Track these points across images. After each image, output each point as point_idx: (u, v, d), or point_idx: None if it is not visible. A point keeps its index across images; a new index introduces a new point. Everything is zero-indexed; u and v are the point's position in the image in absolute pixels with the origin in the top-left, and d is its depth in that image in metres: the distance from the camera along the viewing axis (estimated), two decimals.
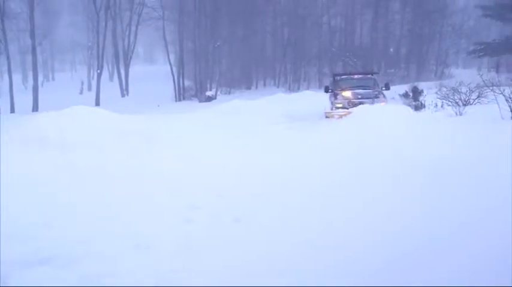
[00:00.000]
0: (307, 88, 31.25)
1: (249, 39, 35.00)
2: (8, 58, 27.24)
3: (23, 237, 2.56)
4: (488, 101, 12.01)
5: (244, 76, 37.94)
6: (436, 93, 15.77)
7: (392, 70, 35.26)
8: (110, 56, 40.78)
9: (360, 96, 13.11)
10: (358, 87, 13.67)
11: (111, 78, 44.57)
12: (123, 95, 35.20)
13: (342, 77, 15.17)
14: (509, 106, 10.13)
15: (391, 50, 37.67)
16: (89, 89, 39.61)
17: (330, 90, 14.41)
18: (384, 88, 13.77)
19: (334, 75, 15.84)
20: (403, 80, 30.46)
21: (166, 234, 2.64)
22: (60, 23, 48.28)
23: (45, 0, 36.45)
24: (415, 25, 37.58)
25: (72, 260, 2.29)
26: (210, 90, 32.61)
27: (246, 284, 2.07)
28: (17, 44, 37.99)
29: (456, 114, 12.54)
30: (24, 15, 31.42)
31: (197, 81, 33.15)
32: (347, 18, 40.04)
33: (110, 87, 36.33)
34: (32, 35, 27.96)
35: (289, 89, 34.85)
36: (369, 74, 15.72)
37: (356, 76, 15.04)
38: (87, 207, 3.08)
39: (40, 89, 29.15)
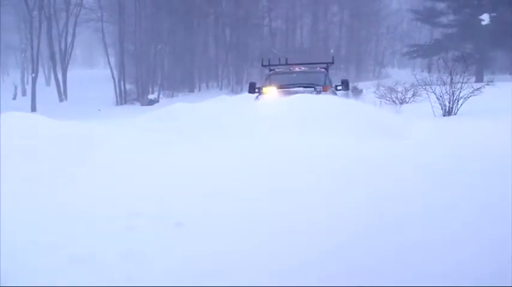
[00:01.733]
0: None
1: (191, 41, 34.74)
2: None
3: None
4: (422, 99, 12.67)
5: (187, 79, 37.58)
6: (375, 92, 16.46)
7: (333, 71, 36.33)
8: (46, 59, 38.94)
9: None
10: (299, 85, 9.49)
11: (47, 82, 42.54)
12: (61, 100, 33.71)
13: (278, 70, 10.94)
14: (440, 104, 10.77)
15: (332, 51, 38.79)
16: (24, 94, 37.60)
17: (256, 91, 10.04)
18: (339, 88, 10.05)
19: (269, 66, 11.14)
20: None
21: (107, 242, 2.56)
22: None
23: None
24: (353, 27, 38.94)
25: None
26: (153, 93, 32.06)
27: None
28: None
29: (394, 112, 13.11)
30: None
31: (139, 84, 32.43)
32: (288, 21, 40.78)
33: (46, 92, 34.66)
34: None
35: (232, 90, 34.94)
36: (319, 65, 11.35)
37: (299, 69, 10.76)
38: (14, 218, 2.92)
39: None
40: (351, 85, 19.40)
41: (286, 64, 11.48)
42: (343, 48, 41.05)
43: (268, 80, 10.32)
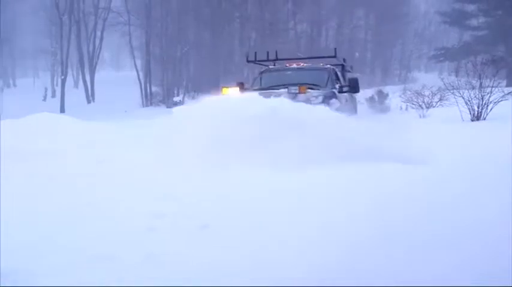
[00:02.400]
0: None
1: (216, 44, 34.96)
2: None
3: None
4: (449, 104, 12.40)
5: (212, 81, 37.80)
6: (400, 96, 16.21)
7: (359, 75, 35.98)
8: (75, 61, 39.86)
9: None
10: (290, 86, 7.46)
11: (76, 84, 43.52)
12: (89, 102, 34.46)
13: (272, 67, 9.11)
14: (469, 109, 10.50)
15: (357, 54, 38.41)
16: (53, 95, 38.57)
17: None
18: (343, 88, 8.06)
19: (255, 62, 9.48)
20: (368, 85, 31.06)
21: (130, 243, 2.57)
22: (21, 27, 46.85)
23: (5, 3, 35.39)
24: (379, 31, 38.48)
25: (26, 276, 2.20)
26: (178, 95, 32.39)
27: None
28: None
29: (420, 116, 12.89)
30: None
31: (164, 86, 32.84)
32: (313, 24, 40.60)
33: (75, 94, 35.52)
34: None
35: None
36: (323, 59, 9.33)
37: (297, 66, 8.80)
38: (40, 217, 2.96)
39: (0, 94, 28.24)
40: (375, 90, 19.28)
41: (276, 59, 9.33)
42: (369, 52, 40.61)
43: (258, 80, 8.54)
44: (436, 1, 41.84)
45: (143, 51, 34.96)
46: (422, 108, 13.81)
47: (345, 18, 39.87)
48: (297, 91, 6.71)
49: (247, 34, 38.79)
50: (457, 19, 37.59)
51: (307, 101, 6.51)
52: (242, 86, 8.32)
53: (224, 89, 6.95)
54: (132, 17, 34.19)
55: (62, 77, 32.64)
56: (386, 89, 20.13)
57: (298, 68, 8.63)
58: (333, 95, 7.40)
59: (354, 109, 9.19)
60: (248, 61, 9.64)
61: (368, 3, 39.75)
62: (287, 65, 8.94)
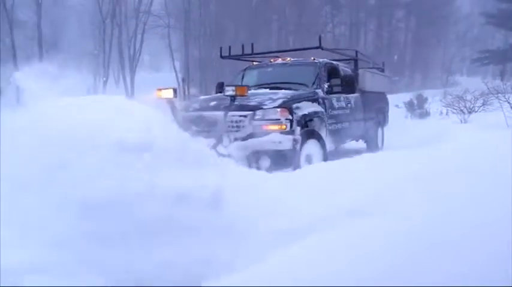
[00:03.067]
0: None
1: (254, 46, 35.15)
2: (15, 66, 27.55)
3: None
4: (493, 109, 12.01)
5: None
6: (441, 100, 15.82)
7: (397, 78, 35.34)
8: (116, 63, 41.05)
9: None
10: (276, 86, 6.48)
11: (117, 85, 44.83)
12: None
13: (256, 64, 7.99)
14: None
15: (396, 57, 37.71)
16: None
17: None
18: (336, 89, 6.48)
19: (230, 58, 8.25)
20: (407, 88, 30.55)
21: None
22: (67, 31, 48.69)
23: (52, 9, 36.89)
24: (419, 33, 37.62)
25: None
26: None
27: None
28: (24, 52, 38.33)
29: (461, 121, 12.54)
30: (32, 24, 31.85)
31: (202, 88, 33.32)
32: (351, 27, 40.19)
33: (115, 94, 36.48)
34: (39, 43, 28.30)
35: None
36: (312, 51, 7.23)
37: (282, 61, 7.43)
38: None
39: None
40: (414, 94, 18.78)
41: (252, 54, 7.99)
42: (408, 55, 39.78)
43: (239, 79, 7.33)
44: (480, 2, 40.55)
45: (182, 53, 35.61)
46: (463, 113, 13.43)
47: (384, 20, 39.24)
48: (234, 93, 4.97)
49: (284, 37, 38.84)
50: (503, 20, 36.24)
51: (259, 105, 5.26)
52: (219, 88, 7.15)
53: (158, 91, 5.39)
54: (171, 20, 34.90)
55: (104, 78, 33.73)
56: (426, 93, 19.67)
57: (281, 64, 7.33)
58: (307, 97, 5.90)
59: (369, 114, 8.17)
60: (222, 57, 8.32)
61: (409, 4, 38.99)
62: (271, 60, 7.79)
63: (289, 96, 5.61)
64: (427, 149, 5.04)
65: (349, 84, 6.99)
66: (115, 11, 34.24)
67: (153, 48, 56.35)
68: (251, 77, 7.29)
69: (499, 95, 10.91)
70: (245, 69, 7.70)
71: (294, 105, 5.39)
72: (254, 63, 8.03)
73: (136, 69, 37.13)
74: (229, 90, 4.97)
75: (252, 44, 8.13)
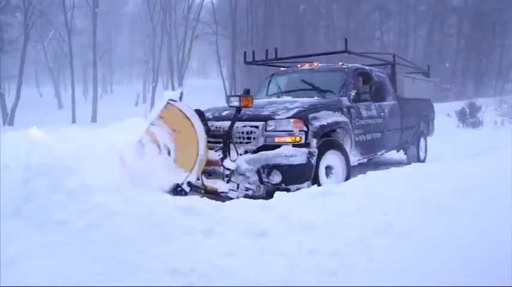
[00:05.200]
0: None
1: (301, 53, 35.06)
2: (72, 72, 28.93)
3: None
4: None
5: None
6: (496, 109, 15.13)
7: (448, 86, 34.12)
8: (165, 69, 42.22)
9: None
10: (303, 93, 6.25)
11: (166, 90, 46.04)
12: None
13: (283, 70, 7.59)
14: None
15: (447, 65, 36.44)
16: (144, 101, 41.13)
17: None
18: (364, 97, 6.22)
19: (254, 64, 8.02)
20: (459, 96, 29.47)
21: None
22: (120, 38, 50.71)
23: (106, 18, 38.55)
24: (473, 38, 36.16)
25: None
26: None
27: None
28: (80, 59, 40.23)
29: None
30: (87, 32, 33.40)
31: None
32: (400, 33, 39.28)
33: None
34: (94, 50, 29.59)
35: None
36: (350, 58, 7.17)
37: (309, 67, 7.00)
38: None
39: (99, 100, 30.64)
40: (466, 102, 17.95)
41: (276, 59, 7.68)
42: (461, 62, 38.34)
43: (265, 85, 7.13)
44: None
45: (229, 60, 36.10)
46: None
47: (436, 26, 38.06)
48: (238, 104, 4.73)
49: (332, 44, 38.51)
50: None
51: (272, 115, 4.95)
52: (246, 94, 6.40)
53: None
54: (219, 27, 35.48)
55: (153, 84, 34.72)
56: (480, 101, 18.88)
57: (308, 70, 6.89)
58: (328, 106, 5.45)
59: (408, 122, 7.68)
60: (246, 63, 7.99)
61: (461, 9, 37.64)
62: (298, 66, 7.36)
63: (306, 106, 5.23)
64: (480, 159, 4.85)
65: (383, 91, 6.49)
66: (165, 19, 35.26)
67: (201, 55, 57.55)
68: (277, 84, 6.98)
69: None
70: (271, 76, 7.37)
71: (311, 116, 5.02)
72: (282, 69, 7.66)
73: (184, 75, 37.98)
74: (234, 101, 4.74)
75: (276, 49, 7.80)
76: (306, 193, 3.96)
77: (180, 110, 4.38)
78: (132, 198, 3.32)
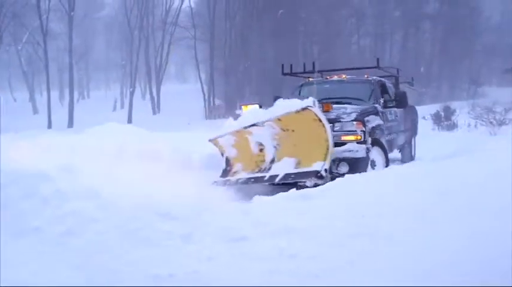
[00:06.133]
0: None
1: (279, 58, 35.19)
2: (47, 76, 28.38)
3: None
4: None
5: (275, 94, 38.09)
6: (469, 112, 15.46)
7: (423, 89, 34.76)
8: (143, 74, 41.82)
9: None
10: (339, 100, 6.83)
11: (143, 96, 45.59)
12: (154, 113, 35.94)
13: (312, 79, 8.15)
14: None
15: (422, 69, 37.15)
16: (122, 106, 40.66)
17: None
18: (389, 103, 7.14)
19: (291, 75, 8.80)
20: (434, 100, 30.06)
21: None
22: (96, 43, 49.99)
23: (83, 21, 37.96)
24: (446, 44, 37.01)
25: None
26: (240, 109, 32.88)
27: None
28: (56, 63, 39.46)
29: (490, 133, 12.26)
30: (63, 36, 32.81)
31: (227, 99, 33.53)
32: (376, 38, 39.89)
33: (142, 105, 37.19)
34: (70, 54, 29.12)
35: None
36: (373, 71, 8.05)
37: (338, 78, 7.92)
38: None
39: (75, 105, 30.11)
40: (441, 105, 18.33)
41: (313, 71, 8.29)
42: (435, 66, 39.14)
43: (297, 94, 7.73)
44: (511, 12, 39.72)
45: (207, 65, 35.99)
46: (493, 125, 13.10)
47: (410, 31, 38.82)
48: (321, 109, 5.50)
49: (309, 48, 38.82)
50: None
51: (338, 118, 5.83)
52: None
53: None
54: (197, 32, 35.36)
55: (131, 89, 34.32)
56: (454, 104, 19.28)
57: (338, 81, 7.77)
58: (372, 111, 6.46)
59: (406, 125, 8.68)
60: (284, 74, 8.70)
61: (435, 15, 38.47)
62: (327, 77, 8.29)
63: (359, 111, 6.16)
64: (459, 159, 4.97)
65: (405, 100, 7.30)
66: (143, 22, 34.97)
67: (179, 60, 57.22)
68: (308, 92, 7.44)
69: None
70: (301, 85, 8.20)
71: (366, 119, 6.03)
72: (309, 79, 8.39)
73: (162, 80, 37.72)
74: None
75: (314, 63, 8.59)
76: (285, 196, 4.07)
77: (315, 114, 5.22)
78: (109, 204, 3.29)
